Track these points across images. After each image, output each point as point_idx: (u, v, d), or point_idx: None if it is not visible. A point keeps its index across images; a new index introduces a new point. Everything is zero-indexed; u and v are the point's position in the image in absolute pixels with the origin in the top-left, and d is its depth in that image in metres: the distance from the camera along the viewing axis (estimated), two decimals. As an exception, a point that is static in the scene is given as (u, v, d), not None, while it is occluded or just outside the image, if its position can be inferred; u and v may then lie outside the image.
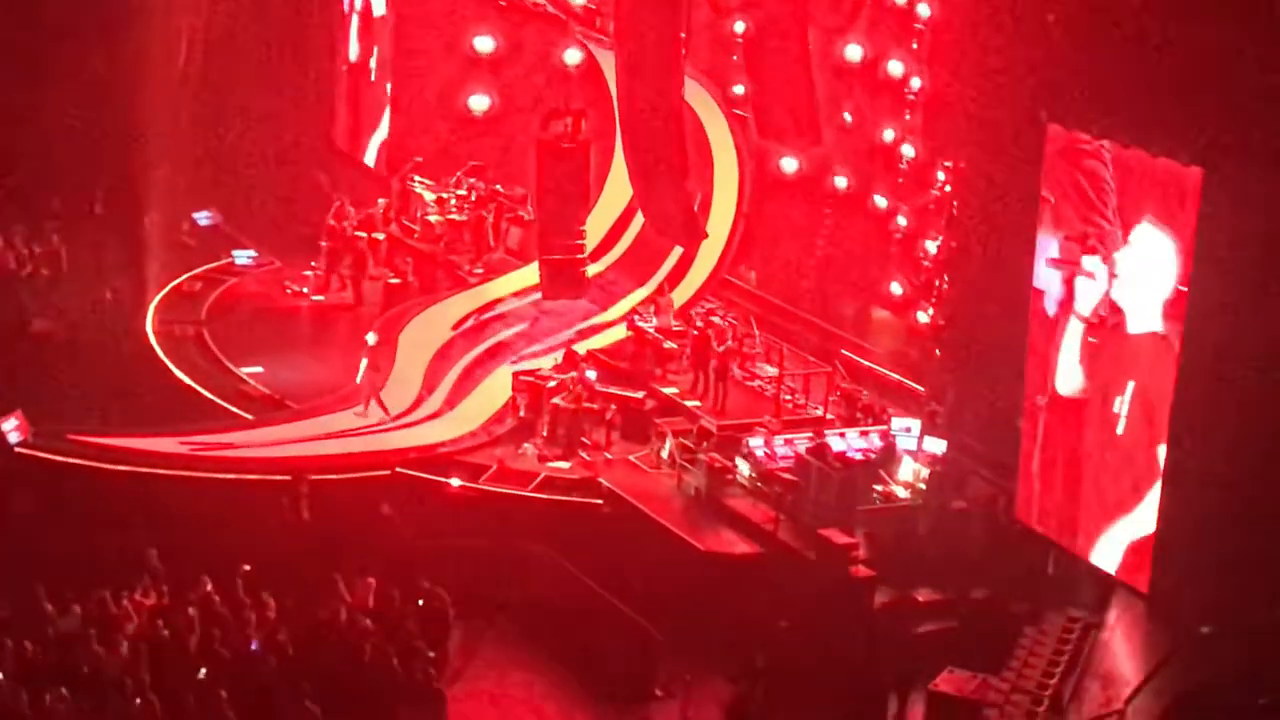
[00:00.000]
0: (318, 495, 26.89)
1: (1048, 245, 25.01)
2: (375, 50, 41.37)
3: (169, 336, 33.50)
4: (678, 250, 35.04)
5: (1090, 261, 24.41)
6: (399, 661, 22.43)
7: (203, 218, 39.99)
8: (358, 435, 29.74)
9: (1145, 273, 23.46)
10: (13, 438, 27.33)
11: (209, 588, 23.61)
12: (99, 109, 37.67)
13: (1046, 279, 25.21)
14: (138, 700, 20.85)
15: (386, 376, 31.65)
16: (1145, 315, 23.51)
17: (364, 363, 31.27)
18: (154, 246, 36.97)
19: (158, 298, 35.27)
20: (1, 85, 38.36)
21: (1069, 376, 25.09)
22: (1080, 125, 24.34)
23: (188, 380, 31.49)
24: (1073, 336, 24.87)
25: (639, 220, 36.17)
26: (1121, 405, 24.10)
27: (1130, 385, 23.89)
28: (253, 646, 22.44)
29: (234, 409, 30.47)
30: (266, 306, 36.19)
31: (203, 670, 21.81)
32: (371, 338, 31.93)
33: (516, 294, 36.10)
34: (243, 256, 38.26)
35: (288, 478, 27.04)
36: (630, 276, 36.08)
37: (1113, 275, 23.95)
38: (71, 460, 27.26)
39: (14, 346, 32.56)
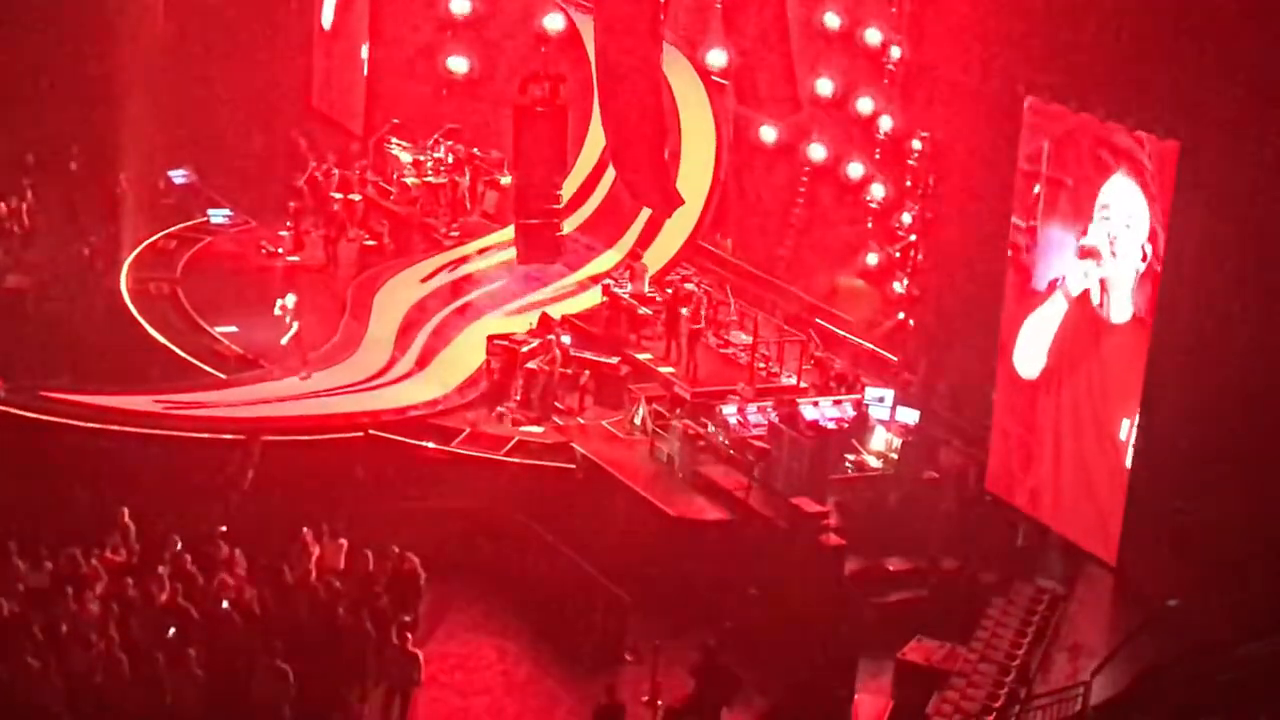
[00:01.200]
0: (275, 458, 26.81)
1: (1061, 235, 24.67)
2: (353, 10, 41.21)
3: (143, 294, 33.43)
4: (653, 216, 35.02)
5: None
6: (370, 623, 22.46)
7: (178, 176, 39.89)
8: (331, 396, 29.72)
9: (1123, 249, 23.51)
10: (-14, 392, 27.30)
11: (179, 547, 23.60)
12: (75, 64, 37.55)
13: (1047, 258, 25.00)
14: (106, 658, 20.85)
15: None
16: (1121, 294, 23.57)
17: (293, 326, 30.91)
18: (129, 204, 36.86)
19: (132, 255, 35.18)
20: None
21: (1036, 352, 25.14)
22: (1058, 98, 24.36)
23: (161, 338, 31.43)
24: (1052, 312, 24.90)
25: (612, 182, 36.15)
26: (1093, 382, 24.18)
27: (1102, 363, 23.96)
28: (223, 605, 22.44)
29: (207, 368, 30.42)
30: (241, 266, 36.12)
31: (171, 629, 21.81)
32: (290, 300, 31.36)
33: (491, 256, 36.09)
34: (218, 215, 38.20)
35: (240, 438, 27.00)
36: (605, 242, 36.08)
37: (1113, 255, 23.90)
38: (44, 417, 27.18)
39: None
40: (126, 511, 24.27)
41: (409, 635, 22.46)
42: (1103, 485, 23.98)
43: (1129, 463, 23.46)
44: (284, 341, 30.57)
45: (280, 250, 36.84)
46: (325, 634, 22.25)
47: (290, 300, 31.14)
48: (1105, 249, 23.78)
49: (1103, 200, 23.71)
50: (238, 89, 41.05)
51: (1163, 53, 22.79)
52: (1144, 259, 22.98)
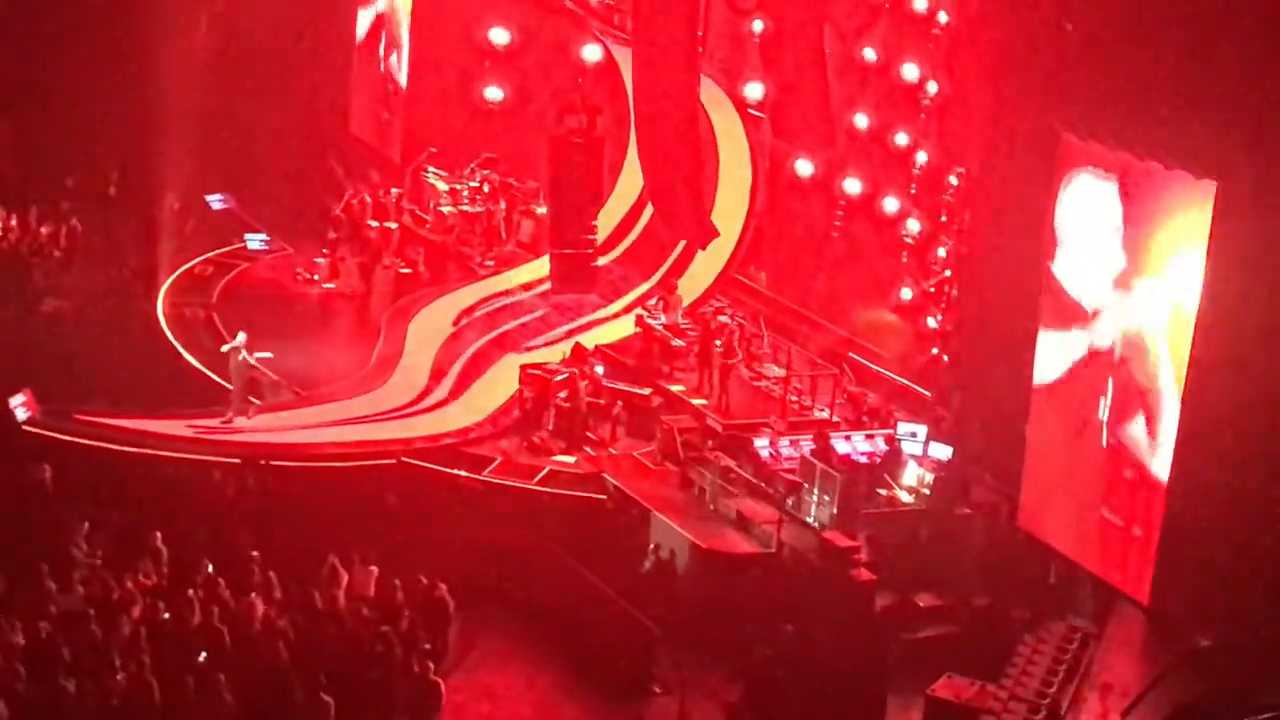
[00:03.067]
0: (307, 483, 26.87)
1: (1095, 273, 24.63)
2: (393, 39, 41.41)
3: (179, 319, 33.56)
4: (687, 247, 35.05)
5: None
6: (398, 651, 22.44)
7: (216, 201, 40.07)
8: (364, 423, 29.78)
9: (1158, 283, 23.47)
10: (20, 415, 27.41)
11: (210, 571, 23.65)
12: (116, 90, 37.76)
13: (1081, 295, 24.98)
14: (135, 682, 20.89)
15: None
16: (1154, 326, 23.51)
17: (237, 356, 29.59)
18: (166, 229, 37.03)
19: (169, 280, 35.33)
20: (18, 64, 38.50)
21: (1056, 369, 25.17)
22: (1094, 135, 24.34)
23: (196, 363, 31.54)
24: (1079, 345, 24.87)
25: (649, 216, 36.20)
26: (1130, 418, 24.10)
27: (1141, 398, 23.89)
28: (254, 630, 22.46)
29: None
30: (277, 292, 36.24)
31: (202, 654, 21.84)
32: (240, 338, 29.77)
33: (526, 286, 36.16)
34: (255, 241, 38.32)
35: (256, 461, 27.05)
36: (639, 271, 36.12)
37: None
38: (78, 440, 27.31)
39: (24, 325, 32.64)
40: (159, 535, 24.33)
41: (430, 664, 22.45)
42: (1136, 524, 23.89)
43: (1164, 501, 23.37)
44: (238, 392, 29.57)
45: (316, 277, 36.95)
46: (352, 661, 22.25)
47: (241, 338, 29.89)
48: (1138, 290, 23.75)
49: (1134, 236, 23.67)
50: (276, 116, 41.24)
51: (1201, 90, 22.70)
52: (1181, 293, 22.92)
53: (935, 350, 31.18)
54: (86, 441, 27.29)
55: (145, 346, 32.30)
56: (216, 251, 37.62)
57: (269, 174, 40.83)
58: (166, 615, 22.47)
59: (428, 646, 23.11)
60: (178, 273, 35.86)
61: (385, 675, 22.20)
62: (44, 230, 36.43)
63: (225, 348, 29.87)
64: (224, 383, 30.50)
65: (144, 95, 37.39)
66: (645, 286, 35.24)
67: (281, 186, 40.69)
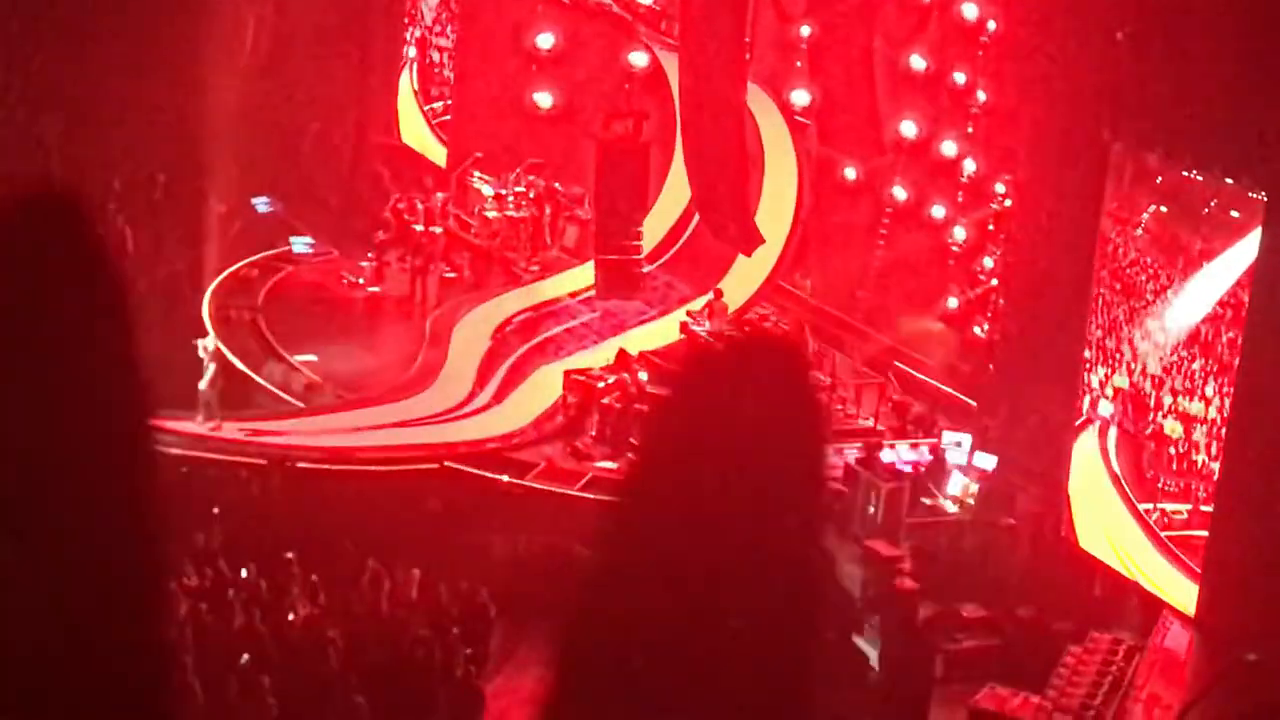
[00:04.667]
0: (350, 487, 26.88)
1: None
2: (438, 44, 41.46)
3: (225, 321, 33.64)
4: (735, 255, 34.98)
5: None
6: (439, 657, 22.45)
7: (262, 204, 40.17)
8: (407, 427, 29.82)
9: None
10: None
11: (254, 574, 23.69)
12: (163, 93, 37.87)
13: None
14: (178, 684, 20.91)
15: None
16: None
17: (209, 369, 29.58)
18: (213, 231, 37.12)
19: (215, 282, 35.43)
20: (67, 66, 38.63)
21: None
22: (1144, 145, 24.19)
23: (241, 365, 31.64)
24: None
25: (695, 223, 36.15)
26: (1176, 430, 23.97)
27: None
28: (297, 634, 22.50)
29: (286, 396, 30.58)
30: (322, 296, 36.31)
31: (245, 656, 21.87)
32: (210, 341, 30.21)
33: (571, 293, 36.14)
34: (300, 244, 38.39)
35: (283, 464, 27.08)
36: (685, 279, 36.06)
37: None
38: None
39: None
40: (202, 538, 24.39)
41: (473, 669, 22.43)
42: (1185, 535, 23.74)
43: (1211, 514, 23.22)
44: (202, 386, 29.34)
45: (361, 281, 37.03)
46: (395, 666, 22.25)
47: (210, 341, 30.02)
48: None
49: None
50: (323, 120, 41.34)
51: (1256, 102, 22.54)
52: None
53: (981, 359, 31.05)
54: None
55: (191, 349, 32.37)
56: (262, 254, 37.70)
57: (315, 178, 40.92)
58: (209, 618, 22.52)
59: (470, 652, 23.11)
60: (224, 275, 35.95)
61: (427, 680, 22.21)
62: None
63: (201, 351, 29.63)
64: (269, 385, 30.61)
65: (192, 98, 37.48)
66: (690, 293, 35.17)
67: (328, 191, 40.79)
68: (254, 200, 40.00)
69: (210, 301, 34.45)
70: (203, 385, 29.32)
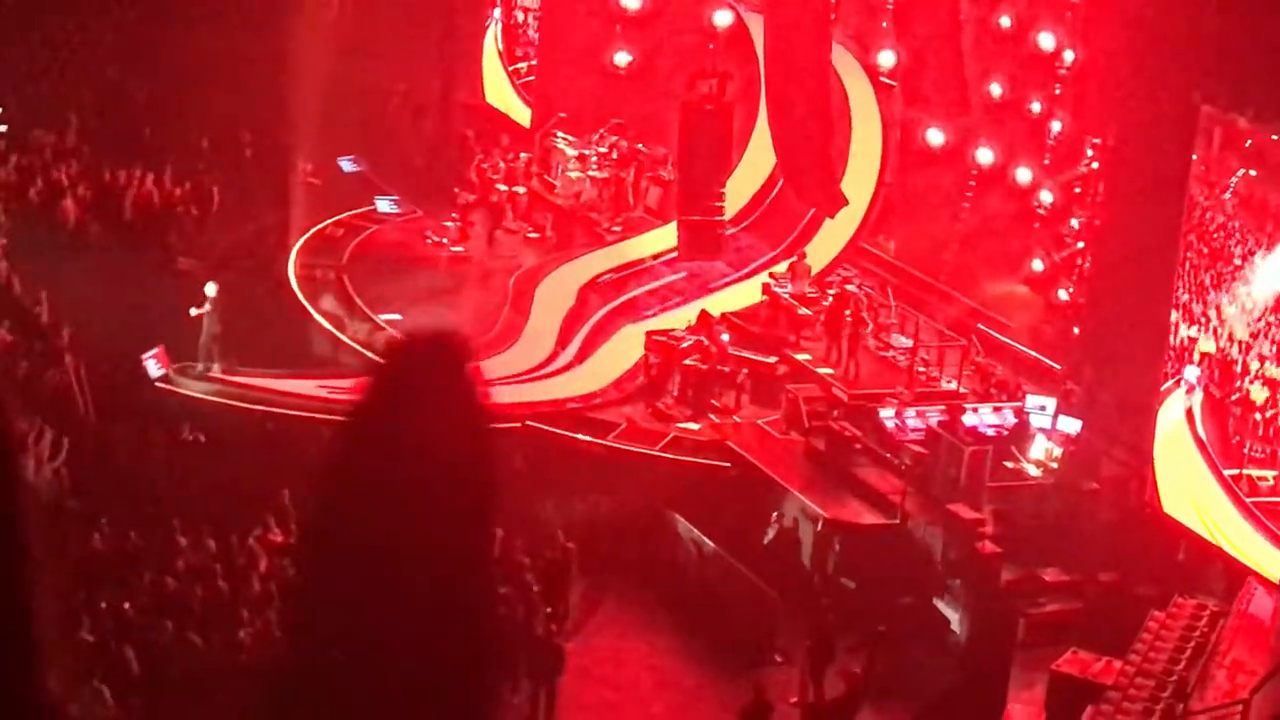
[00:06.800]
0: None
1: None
2: (523, 4, 41.47)
3: (310, 280, 33.87)
4: (818, 217, 34.86)
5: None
6: (521, 614, 22.58)
7: (347, 163, 40.36)
8: (489, 386, 29.87)
9: None
10: (153, 371, 27.82)
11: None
12: (250, 53, 38.08)
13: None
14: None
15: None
16: None
17: (206, 321, 29.51)
18: (299, 190, 37.35)
19: (300, 241, 35.66)
20: (155, 28, 38.94)
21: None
22: (1234, 107, 23.92)
23: (326, 324, 31.84)
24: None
25: (778, 184, 36.03)
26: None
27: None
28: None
29: (370, 354, 30.74)
30: (406, 255, 36.47)
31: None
32: (211, 289, 29.97)
33: (654, 254, 36.12)
34: (385, 204, 38.57)
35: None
36: (767, 240, 35.96)
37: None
38: (209, 398, 27.66)
39: (159, 283, 33.08)
40: (287, 494, 24.61)
41: (554, 627, 22.55)
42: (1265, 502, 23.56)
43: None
44: (203, 341, 29.43)
45: (445, 240, 37.17)
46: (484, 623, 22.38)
47: (211, 289, 30.02)
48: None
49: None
50: (408, 80, 41.46)
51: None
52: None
53: (1066, 323, 30.83)
54: (217, 399, 27.64)
55: (276, 307, 32.65)
56: (347, 214, 37.89)
57: (400, 138, 41.07)
58: (292, 573, 22.73)
59: (550, 610, 23.24)
60: (309, 234, 36.17)
61: (508, 638, 22.36)
62: (178, 191, 36.89)
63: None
64: (353, 343, 30.79)
65: (278, 58, 37.67)
66: (773, 254, 35.07)
67: (413, 150, 40.93)
68: (340, 160, 40.20)
69: (295, 259, 34.69)
70: (203, 333, 29.38)
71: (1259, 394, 25.02)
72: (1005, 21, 32.67)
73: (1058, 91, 31.91)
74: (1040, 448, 27.65)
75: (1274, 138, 24.35)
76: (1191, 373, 25.97)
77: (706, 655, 24.40)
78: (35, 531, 2.63)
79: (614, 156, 38.68)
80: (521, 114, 41.55)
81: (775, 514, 26.62)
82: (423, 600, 2.67)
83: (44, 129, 38.15)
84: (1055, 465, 27.21)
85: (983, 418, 28.25)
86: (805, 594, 24.65)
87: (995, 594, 24.62)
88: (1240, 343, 25.36)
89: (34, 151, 37.71)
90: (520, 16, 42.99)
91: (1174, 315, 26.06)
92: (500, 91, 42.76)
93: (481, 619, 2.71)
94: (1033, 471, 27.42)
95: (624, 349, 32.07)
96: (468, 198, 37.70)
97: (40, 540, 2.64)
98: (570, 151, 38.94)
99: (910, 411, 28.45)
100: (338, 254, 35.64)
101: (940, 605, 24.33)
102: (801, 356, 31.03)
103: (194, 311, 29.51)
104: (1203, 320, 25.93)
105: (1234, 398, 25.49)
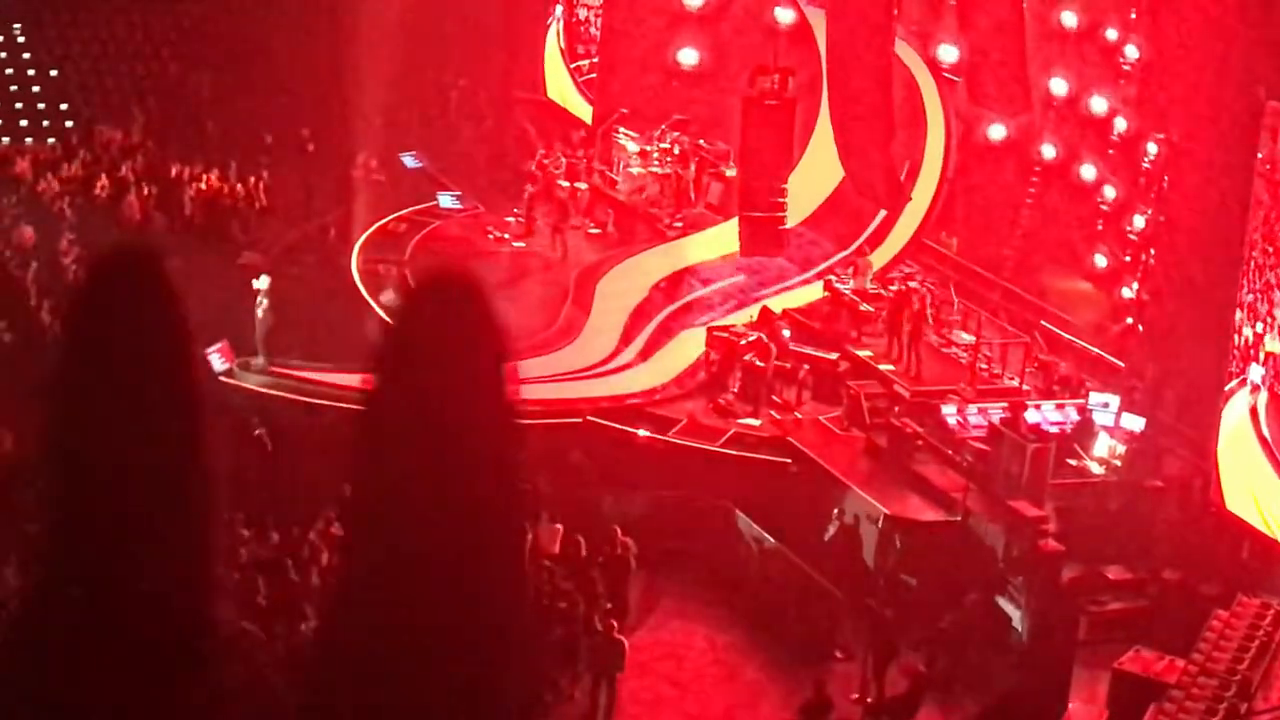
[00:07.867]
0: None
1: None
2: (585, 2, 41.54)
3: (373, 275, 34.02)
4: (880, 213, 34.80)
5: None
6: (582, 608, 22.64)
7: (410, 159, 40.55)
8: (551, 381, 29.99)
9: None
10: (217, 365, 28.01)
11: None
12: (314, 49, 38.35)
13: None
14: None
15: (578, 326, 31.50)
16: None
17: (260, 309, 29.77)
18: (361, 185, 37.55)
19: (363, 236, 35.84)
20: (222, 24, 39.22)
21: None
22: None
23: (389, 319, 31.89)
24: None
25: (841, 181, 35.97)
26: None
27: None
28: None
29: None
30: (468, 250, 36.58)
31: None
32: (264, 281, 30.26)
33: (715, 250, 36.11)
34: (447, 199, 38.71)
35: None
36: (829, 237, 35.92)
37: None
38: (272, 391, 27.82)
39: (223, 276, 33.29)
40: (349, 488, 24.66)
41: (614, 622, 22.59)
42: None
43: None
44: (259, 335, 29.63)
45: (507, 235, 37.28)
46: (538, 617, 22.48)
47: (264, 282, 30.31)
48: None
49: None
50: (470, 76, 41.60)
51: None
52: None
53: (1129, 320, 30.67)
54: (281, 393, 27.80)
55: (339, 301, 32.81)
56: (410, 209, 38.06)
57: (462, 134, 41.21)
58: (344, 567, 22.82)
59: (610, 605, 23.28)
60: (372, 229, 36.35)
61: (569, 631, 22.43)
62: (242, 187, 37.16)
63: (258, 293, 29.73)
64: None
65: (341, 54, 37.90)
66: (835, 250, 35.02)
67: (475, 146, 41.07)
68: (402, 155, 40.39)
69: (358, 254, 34.87)
70: (258, 326, 29.56)
71: (1325, 392, 24.83)
72: (1069, 18, 32.50)
73: (1121, 84, 31.70)
74: (1103, 445, 27.52)
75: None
76: (1256, 372, 25.78)
77: (767, 651, 24.39)
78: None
79: (675, 152, 38.71)
80: (583, 111, 41.63)
81: (836, 510, 26.57)
82: (464, 591, 2.71)
83: (109, 125, 38.49)
84: (1118, 463, 27.08)
85: (1045, 415, 28.12)
86: (866, 590, 24.60)
87: (1057, 592, 24.51)
88: (1306, 342, 25.17)
89: (100, 148, 38.08)
90: (582, 14, 43.09)
91: (1238, 314, 25.87)
92: (561, 89, 42.86)
93: (524, 609, 2.76)
94: (1095, 469, 27.29)
95: (685, 345, 32.08)
96: (529, 193, 37.81)
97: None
98: (632, 147, 39.00)
99: (972, 408, 28.35)
100: (400, 249, 35.79)
101: (1002, 603, 24.25)
102: (863, 353, 30.97)
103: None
104: (1268, 319, 25.73)
105: (1299, 396, 25.30)
